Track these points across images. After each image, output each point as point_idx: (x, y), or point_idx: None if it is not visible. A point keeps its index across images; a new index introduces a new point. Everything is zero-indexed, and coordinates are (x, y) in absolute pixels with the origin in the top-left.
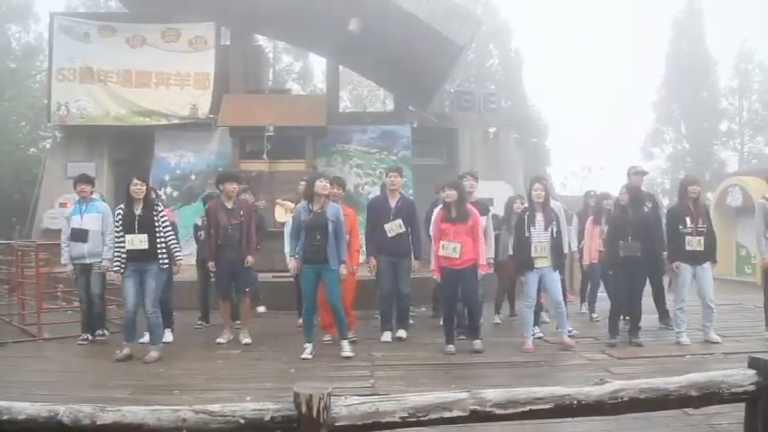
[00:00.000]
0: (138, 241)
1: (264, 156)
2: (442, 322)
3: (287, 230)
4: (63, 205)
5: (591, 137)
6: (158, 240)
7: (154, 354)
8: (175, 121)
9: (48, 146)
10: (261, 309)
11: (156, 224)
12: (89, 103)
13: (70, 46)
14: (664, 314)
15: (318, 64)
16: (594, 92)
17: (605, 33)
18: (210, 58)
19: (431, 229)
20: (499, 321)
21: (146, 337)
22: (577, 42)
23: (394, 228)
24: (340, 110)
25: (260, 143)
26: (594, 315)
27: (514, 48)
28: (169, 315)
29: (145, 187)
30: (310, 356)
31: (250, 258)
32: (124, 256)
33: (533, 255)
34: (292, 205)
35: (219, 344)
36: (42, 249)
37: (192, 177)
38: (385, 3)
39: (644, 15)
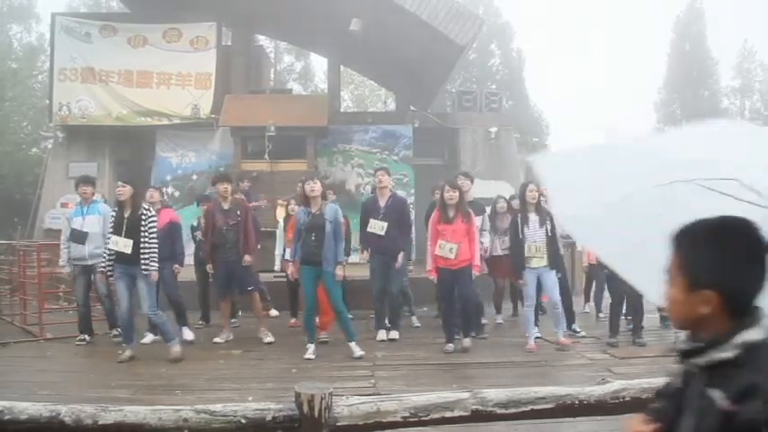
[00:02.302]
0: (123, 245)
1: (266, 156)
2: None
3: (279, 232)
4: (65, 205)
5: (592, 136)
6: (143, 245)
7: (175, 349)
8: (177, 122)
9: (49, 146)
10: (274, 312)
11: (143, 229)
12: (91, 103)
13: (72, 46)
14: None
15: (320, 64)
16: (596, 91)
17: (606, 33)
18: (212, 58)
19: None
20: (501, 321)
21: (147, 338)
22: (579, 42)
23: (375, 227)
24: (341, 110)
25: (261, 143)
26: (602, 315)
27: (516, 47)
28: (183, 314)
29: (127, 189)
30: (313, 356)
31: (247, 257)
32: (112, 257)
33: (527, 254)
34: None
35: (217, 343)
36: (44, 249)
37: (194, 177)
38: (386, 3)
39: (646, 15)
